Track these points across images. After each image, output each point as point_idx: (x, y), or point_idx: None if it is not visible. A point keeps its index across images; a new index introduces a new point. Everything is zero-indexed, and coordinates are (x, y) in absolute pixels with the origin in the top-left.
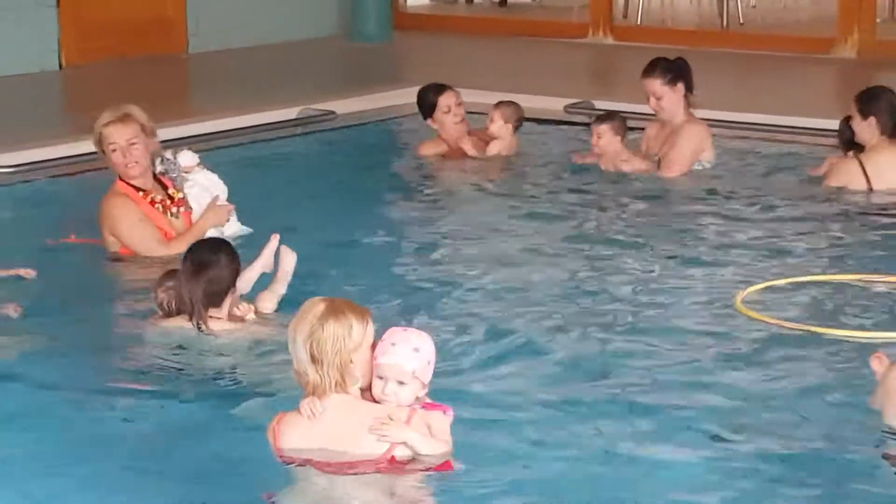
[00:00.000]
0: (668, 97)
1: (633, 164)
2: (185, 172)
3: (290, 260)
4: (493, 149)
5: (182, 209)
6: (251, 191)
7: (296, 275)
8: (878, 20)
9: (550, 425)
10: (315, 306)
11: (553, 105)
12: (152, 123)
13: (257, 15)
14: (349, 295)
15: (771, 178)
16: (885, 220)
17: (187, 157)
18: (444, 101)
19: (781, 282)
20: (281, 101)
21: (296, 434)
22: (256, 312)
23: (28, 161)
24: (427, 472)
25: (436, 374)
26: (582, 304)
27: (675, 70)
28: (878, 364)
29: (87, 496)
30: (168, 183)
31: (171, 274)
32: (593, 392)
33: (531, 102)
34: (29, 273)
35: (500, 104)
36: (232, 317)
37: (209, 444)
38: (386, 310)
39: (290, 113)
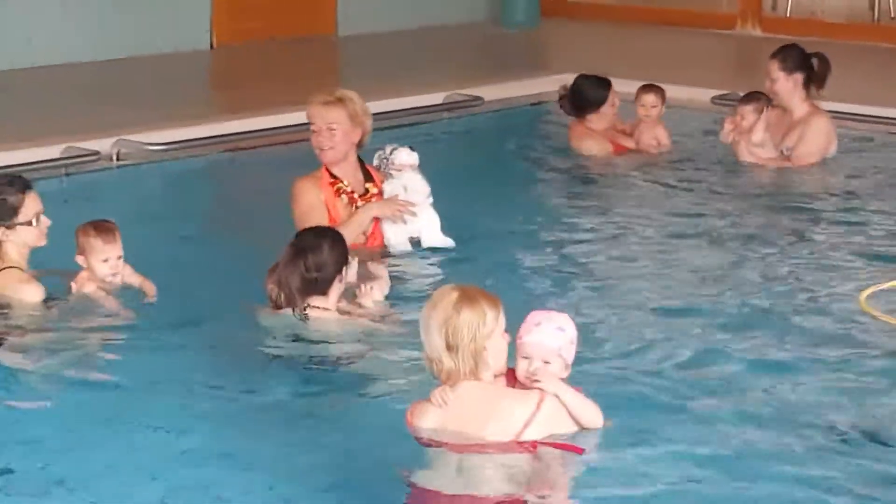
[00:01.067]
0: (781, 83)
1: (761, 153)
2: (394, 170)
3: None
4: (647, 136)
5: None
6: None
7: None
8: None
9: (690, 421)
10: (449, 294)
11: (700, 96)
12: (367, 114)
13: None
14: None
15: None
16: None
17: (402, 155)
18: (614, 96)
19: None
20: (428, 85)
21: (429, 421)
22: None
23: (175, 140)
24: (560, 454)
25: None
26: (709, 295)
27: (797, 59)
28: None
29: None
30: (377, 178)
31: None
32: (736, 380)
33: (678, 93)
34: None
35: (650, 87)
36: (341, 309)
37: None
38: (523, 297)
39: (437, 98)
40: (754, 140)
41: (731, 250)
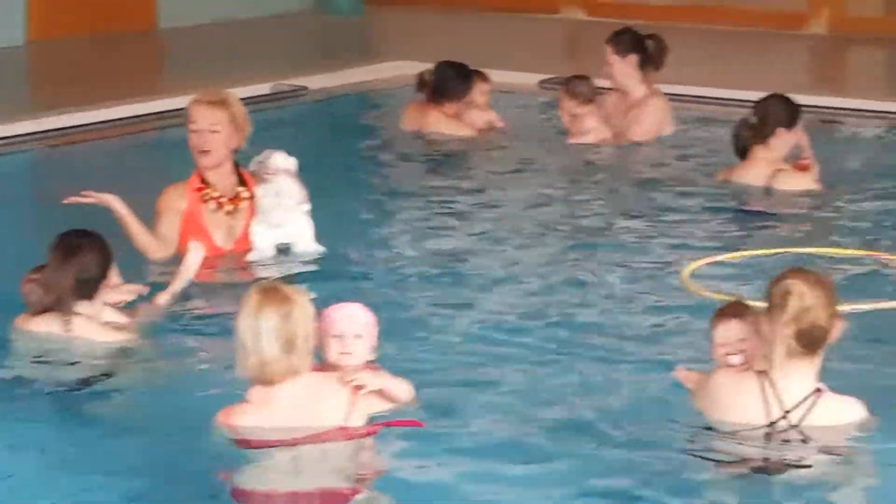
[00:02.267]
0: (617, 66)
1: (592, 135)
2: (268, 174)
3: (196, 257)
4: (480, 121)
5: (243, 207)
6: None
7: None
8: None
9: (525, 385)
10: (266, 296)
11: (527, 80)
12: (247, 119)
13: None
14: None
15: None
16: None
17: (277, 159)
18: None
19: (725, 257)
20: (253, 76)
21: (251, 420)
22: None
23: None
24: (399, 431)
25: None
26: (554, 282)
27: (630, 42)
28: (684, 377)
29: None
30: (251, 182)
31: (39, 268)
32: (566, 358)
33: (504, 78)
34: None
35: (482, 75)
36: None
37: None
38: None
39: (263, 88)
40: (585, 128)
41: (558, 231)
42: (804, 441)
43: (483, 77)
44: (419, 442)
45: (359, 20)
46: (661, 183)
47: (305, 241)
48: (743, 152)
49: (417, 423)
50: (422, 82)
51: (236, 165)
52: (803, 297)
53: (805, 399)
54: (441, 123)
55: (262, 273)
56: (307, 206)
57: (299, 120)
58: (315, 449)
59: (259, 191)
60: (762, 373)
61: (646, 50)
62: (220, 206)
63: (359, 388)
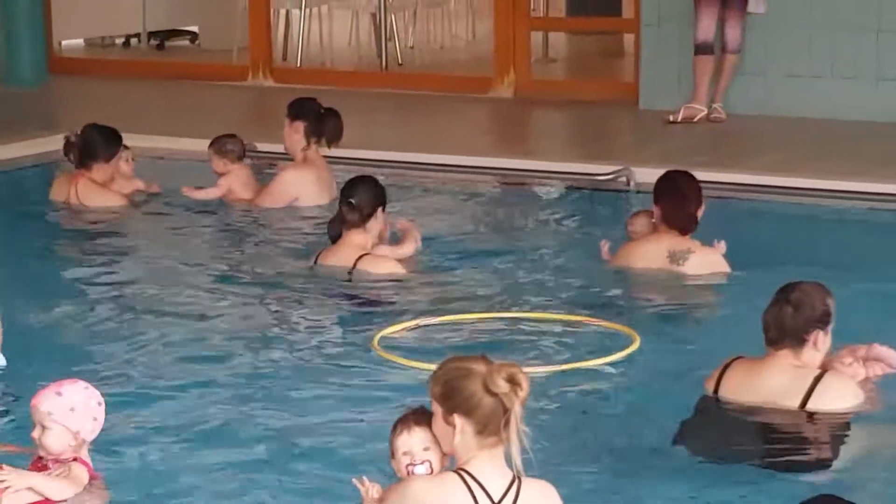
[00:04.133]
0: (286, 130)
1: (207, 193)
2: None
3: None
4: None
5: None
6: None
7: None
8: (532, 59)
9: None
10: None
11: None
12: None
13: None
14: None
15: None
16: None
17: None
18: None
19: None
20: None
21: None
22: None
23: None
24: None
25: None
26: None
27: (304, 110)
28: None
29: None
30: None
31: None
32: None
33: (185, 144)
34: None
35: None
36: None
37: None
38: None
39: None
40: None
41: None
42: None
43: (123, 146)
44: None
45: (43, 90)
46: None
47: None
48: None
49: None
50: (68, 145)
51: None
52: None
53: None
54: (90, 192)
55: None
56: None
57: None
58: None
59: None
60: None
61: (320, 120)
62: None
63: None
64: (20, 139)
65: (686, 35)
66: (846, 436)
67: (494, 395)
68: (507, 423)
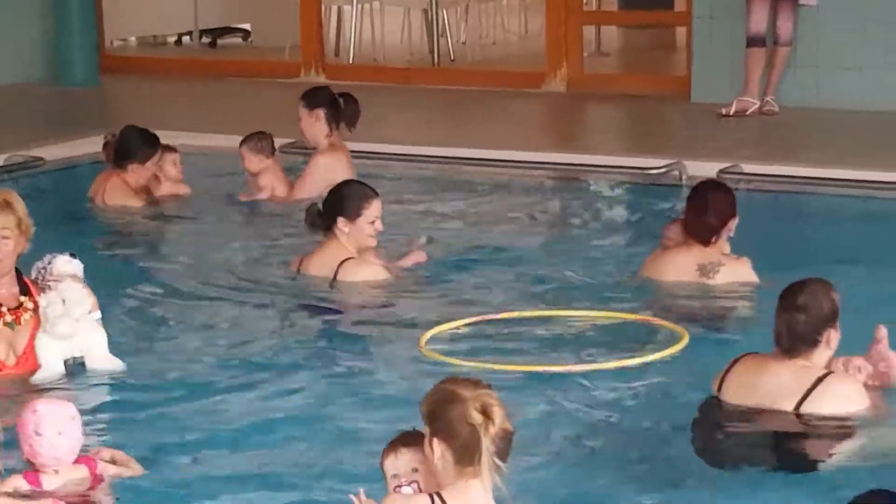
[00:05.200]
0: (304, 121)
1: (265, 192)
2: (52, 280)
3: None
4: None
5: (27, 318)
6: None
7: None
8: (585, 54)
9: None
10: None
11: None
12: (30, 219)
13: None
14: None
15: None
16: None
17: (61, 263)
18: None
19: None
20: None
21: None
22: None
23: None
24: None
25: None
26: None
27: (319, 98)
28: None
29: None
30: (35, 291)
31: None
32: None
33: (230, 143)
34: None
35: (170, 147)
36: None
37: None
38: None
39: None
40: (260, 185)
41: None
42: None
43: (171, 149)
44: None
45: (95, 90)
46: None
47: (99, 353)
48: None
49: None
50: (106, 145)
51: (17, 272)
52: (503, 408)
53: None
54: (115, 193)
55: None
56: (98, 315)
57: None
58: None
59: (43, 300)
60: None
61: (337, 106)
62: (0, 315)
63: None
64: (74, 138)
65: (738, 28)
66: (845, 437)
67: (472, 424)
68: (480, 456)
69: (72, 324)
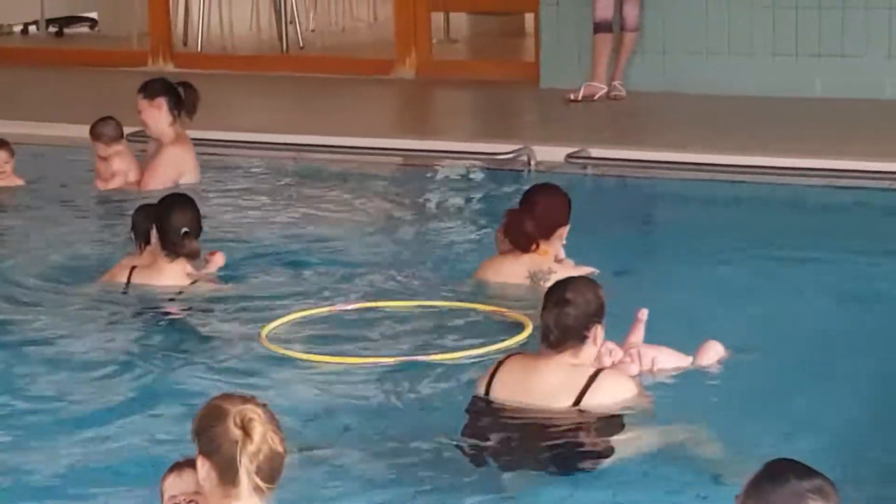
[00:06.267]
0: (146, 112)
1: (118, 179)
2: None
3: None
4: None
5: None
6: None
7: None
8: (434, 41)
9: None
10: None
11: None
12: None
13: None
14: None
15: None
16: None
17: None
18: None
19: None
20: None
21: None
22: None
23: None
24: None
25: None
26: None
27: (158, 87)
28: None
29: None
30: None
31: None
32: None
33: (76, 132)
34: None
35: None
36: None
37: None
38: None
39: None
40: (112, 171)
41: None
42: None
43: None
44: None
45: None
46: None
47: None
48: None
49: None
50: None
51: None
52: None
53: None
54: None
55: None
56: None
57: None
58: None
59: None
60: None
61: (178, 95)
62: None
63: None
64: None
65: (585, 14)
66: (622, 433)
67: (233, 440)
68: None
69: None
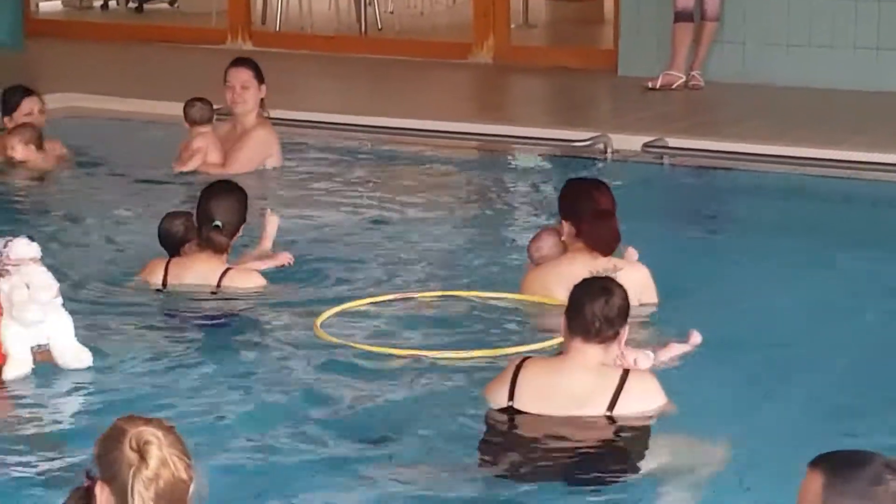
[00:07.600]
0: (251, 91)
1: (196, 160)
2: (11, 265)
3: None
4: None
5: None
6: None
7: None
8: (512, 26)
9: None
10: None
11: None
12: None
13: None
14: None
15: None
16: None
17: (20, 246)
18: (28, 105)
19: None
20: None
21: None
22: None
23: None
24: None
25: None
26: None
27: (260, 70)
28: None
29: None
30: None
31: None
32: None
33: (156, 109)
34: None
35: (16, 129)
36: None
37: None
38: None
39: None
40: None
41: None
42: None
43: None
44: None
45: (18, 54)
46: None
47: (66, 341)
48: None
49: None
50: None
51: None
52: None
53: None
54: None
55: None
56: (60, 300)
57: None
58: None
59: (4, 285)
60: None
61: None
62: None
63: None
64: None
65: (665, 2)
66: (653, 437)
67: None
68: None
69: (39, 310)
